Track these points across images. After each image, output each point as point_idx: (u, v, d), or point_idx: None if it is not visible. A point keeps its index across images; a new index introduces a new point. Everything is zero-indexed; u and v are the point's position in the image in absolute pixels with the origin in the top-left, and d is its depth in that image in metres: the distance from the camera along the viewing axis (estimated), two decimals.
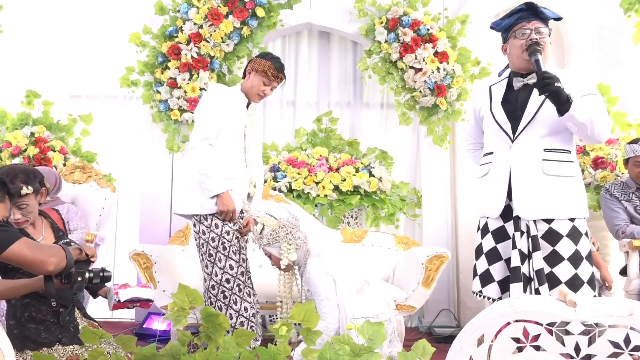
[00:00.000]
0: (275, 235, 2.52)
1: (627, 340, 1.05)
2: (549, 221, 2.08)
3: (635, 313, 1.03)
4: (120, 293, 2.24)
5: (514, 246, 2.10)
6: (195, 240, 2.58)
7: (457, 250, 4.15)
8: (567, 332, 1.08)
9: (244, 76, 2.70)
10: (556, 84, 1.92)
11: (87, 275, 1.70)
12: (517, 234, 2.10)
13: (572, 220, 2.08)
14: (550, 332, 1.08)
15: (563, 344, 1.07)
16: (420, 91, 4.07)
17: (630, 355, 1.04)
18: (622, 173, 3.67)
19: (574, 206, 2.09)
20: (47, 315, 2.09)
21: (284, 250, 2.50)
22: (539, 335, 1.08)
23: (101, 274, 1.75)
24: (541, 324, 1.08)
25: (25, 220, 2.18)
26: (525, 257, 2.08)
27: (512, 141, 2.15)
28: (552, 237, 2.07)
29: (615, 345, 1.06)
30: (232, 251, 2.51)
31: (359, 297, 2.41)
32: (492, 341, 1.10)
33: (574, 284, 2.03)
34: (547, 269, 2.06)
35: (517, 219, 2.12)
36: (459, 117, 4.14)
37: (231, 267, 2.49)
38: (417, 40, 4.02)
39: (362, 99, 4.58)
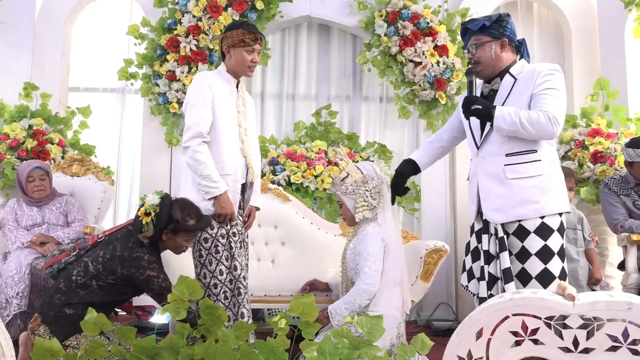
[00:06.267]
0: (355, 187, 2.48)
1: (626, 334, 1.05)
2: (518, 219, 2.13)
3: (634, 307, 1.03)
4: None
5: (482, 248, 2.20)
6: None
7: (456, 244, 4.16)
8: (566, 326, 1.09)
9: (224, 57, 2.54)
10: (474, 107, 2.10)
11: None
12: (486, 236, 2.19)
13: (541, 217, 2.11)
14: (549, 325, 1.08)
15: (561, 337, 1.08)
16: (420, 85, 4.06)
17: (629, 348, 1.04)
18: (621, 167, 3.66)
19: (542, 205, 2.10)
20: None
21: (359, 204, 2.47)
22: (538, 329, 1.09)
23: None
24: (540, 318, 1.08)
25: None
26: (492, 257, 2.15)
27: (478, 148, 2.25)
28: (521, 234, 2.13)
29: (614, 339, 1.06)
30: (225, 256, 2.40)
31: (392, 290, 2.39)
32: (490, 335, 1.11)
33: (544, 279, 2.07)
34: (519, 266, 2.12)
35: (486, 222, 2.20)
36: None
37: (221, 273, 2.38)
38: (417, 34, 4.00)
39: (362, 93, 4.57)
